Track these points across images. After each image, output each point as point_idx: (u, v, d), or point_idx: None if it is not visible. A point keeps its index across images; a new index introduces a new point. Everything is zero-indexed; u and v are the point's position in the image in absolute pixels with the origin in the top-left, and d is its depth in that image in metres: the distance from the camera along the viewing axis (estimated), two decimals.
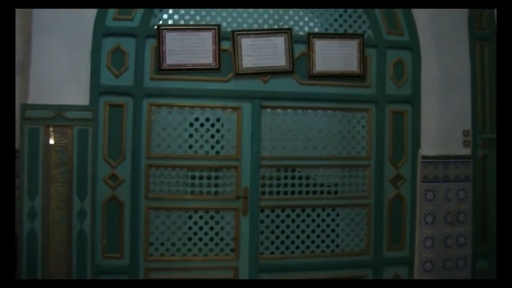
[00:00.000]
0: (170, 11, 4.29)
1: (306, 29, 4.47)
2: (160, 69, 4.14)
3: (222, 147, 4.31)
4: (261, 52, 4.27)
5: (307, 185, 4.46)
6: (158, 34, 4.13)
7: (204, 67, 4.20)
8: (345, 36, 4.46)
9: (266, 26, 4.37)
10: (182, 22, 4.27)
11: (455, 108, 4.57)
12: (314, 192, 4.47)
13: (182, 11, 4.28)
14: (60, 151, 3.96)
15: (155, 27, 4.17)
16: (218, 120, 4.30)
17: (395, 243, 4.56)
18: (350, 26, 4.53)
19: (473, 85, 4.62)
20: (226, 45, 4.24)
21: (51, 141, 3.94)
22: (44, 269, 3.92)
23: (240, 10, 4.34)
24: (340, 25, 4.51)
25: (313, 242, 4.46)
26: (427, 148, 4.54)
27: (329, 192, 4.51)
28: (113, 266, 4.10)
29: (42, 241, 3.92)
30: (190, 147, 4.26)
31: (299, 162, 4.44)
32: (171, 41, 4.15)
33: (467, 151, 4.60)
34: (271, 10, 4.40)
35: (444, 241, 4.55)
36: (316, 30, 4.52)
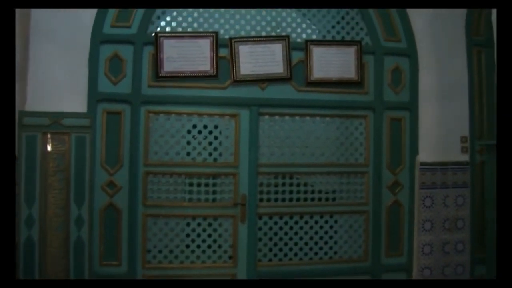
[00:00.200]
0: (168, 18, 4.30)
1: (304, 36, 4.48)
2: (158, 76, 4.14)
3: (220, 154, 4.31)
4: (259, 59, 4.28)
5: (305, 192, 4.46)
6: (156, 41, 4.13)
7: (202, 74, 4.20)
8: (342, 43, 4.47)
9: (263, 33, 4.38)
10: (180, 29, 4.28)
11: (453, 114, 4.57)
12: (312, 199, 4.47)
13: (180, 18, 4.29)
14: (57, 158, 3.95)
15: (153, 34, 4.17)
16: (216, 127, 4.30)
17: (393, 249, 4.55)
18: (348, 33, 4.54)
19: (471, 91, 4.63)
20: (224, 52, 4.24)
21: (49, 148, 3.94)
22: (42, 276, 3.90)
23: (237, 17, 4.35)
24: (338, 32, 4.52)
25: (311, 249, 4.45)
26: (425, 154, 4.55)
27: (327, 199, 4.51)
28: (111, 273, 4.08)
29: (39, 248, 3.91)
30: (188, 154, 4.26)
31: (297, 169, 4.44)
32: (169, 48, 4.15)
33: (465, 158, 4.60)
34: (268, 17, 4.41)
35: (443, 248, 4.55)
36: (314, 37, 4.54)
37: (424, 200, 4.51)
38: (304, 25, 4.53)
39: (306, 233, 4.44)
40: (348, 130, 4.53)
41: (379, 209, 4.52)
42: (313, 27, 4.59)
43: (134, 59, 4.12)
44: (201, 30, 4.28)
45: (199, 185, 4.28)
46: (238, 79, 4.25)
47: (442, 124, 4.56)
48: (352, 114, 4.51)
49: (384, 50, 4.52)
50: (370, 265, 4.51)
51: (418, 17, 4.55)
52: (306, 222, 4.45)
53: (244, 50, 4.26)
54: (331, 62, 4.41)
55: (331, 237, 4.50)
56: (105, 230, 4.10)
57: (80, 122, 3.99)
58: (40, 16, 3.96)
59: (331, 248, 4.50)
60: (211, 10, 4.30)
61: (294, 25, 4.48)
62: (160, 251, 4.22)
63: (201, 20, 4.30)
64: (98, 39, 4.07)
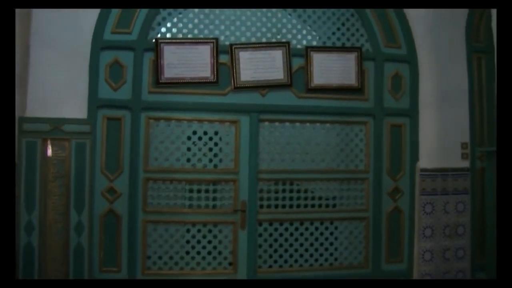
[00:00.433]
0: (169, 24, 4.31)
1: (304, 42, 4.49)
2: (158, 82, 4.14)
3: (220, 161, 4.30)
4: (259, 66, 4.28)
5: (305, 198, 4.45)
6: (156, 48, 4.14)
7: (202, 80, 4.21)
8: (343, 49, 4.48)
9: (264, 40, 4.38)
10: (180, 36, 4.29)
11: (453, 121, 4.57)
12: (312, 206, 4.46)
13: (180, 24, 4.30)
14: (57, 164, 3.95)
15: (153, 40, 4.18)
16: (216, 133, 4.30)
17: (393, 256, 4.54)
18: (348, 40, 4.55)
19: (471, 98, 4.63)
20: (224, 58, 4.25)
21: (49, 154, 3.94)
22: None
23: (238, 23, 4.36)
24: (338, 38, 4.53)
25: (311, 255, 4.44)
26: (425, 161, 4.54)
27: (327, 205, 4.50)
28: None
29: (39, 254, 3.90)
30: (188, 160, 4.26)
31: (297, 175, 4.44)
32: (169, 54, 4.16)
33: (465, 164, 4.59)
34: (269, 24, 4.42)
35: (443, 254, 4.54)
36: (314, 43, 4.54)
37: (425, 207, 4.50)
38: (304, 32, 4.53)
39: (306, 239, 4.43)
40: (348, 137, 4.53)
41: (379, 216, 4.51)
42: (314, 33, 4.60)
43: (135, 65, 4.13)
44: (201, 36, 4.29)
45: (199, 191, 4.28)
46: (238, 85, 4.25)
47: (442, 130, 4.56)
48: (352, 120, 4.51)
49: (384, 57, 4.53)
50: (370, 272, 4.50)
51: (418, 23, 4.57)
52: (307, 229, 4.44)
53: (244, 57, 4.26)
54: (332, 69, 4.41)
55: (331, 244, 4.49)
56: (105, 236, 4.09)
57: (80, 128, 3.99)
58: (41, 22, 3.97)
59: (331, 254, 4.49)
60: (212, 16, 4.32)
61: (294, 31, 4.49)
62: (160, 258, 4.21)
63: (201, 26, 4.31)
64: (99, 45, 4.08)
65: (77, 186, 3.98)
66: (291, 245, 4.41)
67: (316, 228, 4.46)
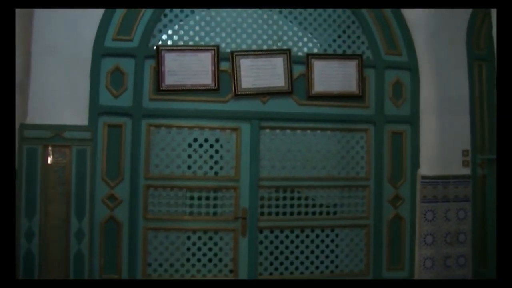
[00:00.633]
0: (170, 31, 4.32)
1: (305, 49, 4.49)
2: (159, 89, 4.15)
3: (221, 168, 4.30)
4: (260, 73, 4.29)
5: (306, 205, 4.44)
6: (157, 55, 4.14)
7: (203, 87, 4.21)
8: (344, 56, 4.48)
9: (265, 47, 4.39)
10: (181, 43, 4.29)
11: (454, 128, 4.57)
12: (313, 213, 4.45)
13: (181, 31, 4.31)
14: (58, 171, 3.95)
15: (154, 47, 4.19)
16: (217, 140, 4.30)
17: (394, 263, 4.53)
18: (349, 47, 4.55)
19: (472, 105, 4.63)
20: (225, 65, 4.26)
21: (50, 161, 3.94)
22: None
23: (239, 31, 4.37)
24: (339, 46, 4.53)
25: (312, 263, 4.43)
26: (426, 168, 4.54)
27: (328, 213, 4.49)
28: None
29: (39, 261, 3.91)
30: (189, 167, 4.25)
31: (298, 182, 4.43)
32: (170, 61, 4.17)
33: (466, 171, 4.59)
34: (270, 31, 4.42)
35: (444, 262, 4.53)
36: (315, 50, 4.55)
37: (426, 214, 4.49)
38: (305, 39, 4.54)
39: (307, 247, 4.43)
40: (349, 144, 4.52)
41: (380, 223, 4.50)
42: (315, 40, 4.60)
43: (136, 72, 4.14)
44: (202, 43, 4.30)
45: (200, 198, 4.27)
46: (239, 92, 4.26)
47: (443, 137, 4.55)
48: (353, 127, 4.51)
49: (385, 64, 4.53)
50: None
51: (419, 30, 4.57)
52: (307, 236, 4.43)
53: (245, 64, 4.27)
54: (332, 76, 4.41)
55: (332, 251, 4.48)
56: (105, 243, 4.09)
57: (81, 135, 3.99)
58: (42, 30, 4.00)
59: (332, 262, 4.48)
60: (213, 23, 4.32)
61: (295, 38, 4.49)
62: (160, 265, 4.20)
63: (202, 33, 4.32)
64: (100, 52, 4.09)
65: (78, 193, 3.98)
66: (292, 252, 4.40)
67: (317, 236, 4.45)
